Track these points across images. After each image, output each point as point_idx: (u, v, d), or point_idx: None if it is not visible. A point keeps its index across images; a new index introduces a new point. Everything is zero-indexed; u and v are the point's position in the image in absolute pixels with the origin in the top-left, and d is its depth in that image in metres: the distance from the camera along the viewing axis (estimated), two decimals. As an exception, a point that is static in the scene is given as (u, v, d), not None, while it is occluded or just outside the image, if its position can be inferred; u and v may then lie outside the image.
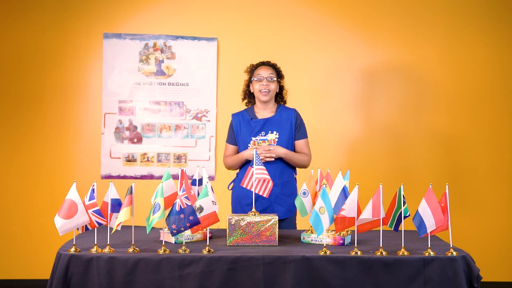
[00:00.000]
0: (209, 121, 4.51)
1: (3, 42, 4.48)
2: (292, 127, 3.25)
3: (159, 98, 4.51)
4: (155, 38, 4.50)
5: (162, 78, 4.51)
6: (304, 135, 3.30)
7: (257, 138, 3.23)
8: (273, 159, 3.15)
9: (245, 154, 3.19)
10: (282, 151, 3.17)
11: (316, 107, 4.51)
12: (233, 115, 3.36)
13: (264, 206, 3.16)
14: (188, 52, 4.51)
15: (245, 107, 3.41)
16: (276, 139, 3.21)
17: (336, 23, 4.53)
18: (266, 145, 3.19)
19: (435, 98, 4.50)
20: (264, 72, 3.27)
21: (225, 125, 4.40)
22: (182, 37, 4.51)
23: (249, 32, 4.53)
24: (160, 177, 4.39)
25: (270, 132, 3.23)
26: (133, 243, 2.40)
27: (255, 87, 3.27)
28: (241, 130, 3.27)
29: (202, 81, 4.51)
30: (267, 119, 3.26)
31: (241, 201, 3.19)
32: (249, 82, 3.36)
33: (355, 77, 4.52)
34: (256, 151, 2.71)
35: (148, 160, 4.49)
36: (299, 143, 3.28)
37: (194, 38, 4.51)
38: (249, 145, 3.23)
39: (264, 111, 3.31)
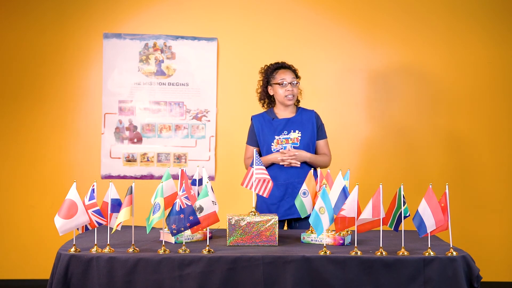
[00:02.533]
0: (209, 121, 4.50)
1: (3, 42, 4.47)
2: (314, 128, 3.33)
3: (159, 98, 4.50)
4: (155, 38, 4.50)
5: (162, 78, 4.51)
6: (324, 135, 3.39)
7: (280, 137, 3.29)
8: (298, 165, 3.20)
9: (271, 158, 3.24)
10: (307, 156, 3.24)
11: (315, 108, 4.49)
12: (254, 117, 3.40)
13: (290, 204, 3.21)
14: (188, 52, 4.51)
15: (263, 108, 3.45)
16: (299, 138, 3.28)
17: (337, 22, 4.52)
18: (289, 147, 3.25)
19: (436, 98, 4.49)
20: (288, 77, 3.32)
21: (225, 125, 4.47)
22: (182, 37, 4.51)
23: (249, 32, 4.52)
24: (160, 177, 4.39)
25: (292, 131, 3.30)
26: (133, 243, 2.40)
27: (279, 92, 3.32)
28: (263, 130, 3.33)
29: (202, 81, 4.51)
30: (288, 119, 3.33)
31: (267, 200, 3.22)
32: (266, 84, 3.39)
33: (356, 78, 4.52)
34: (256, 151, 2.71)
35: (148, 160, 4.49)
36: (320, 143, 3.37)
37: (194, 38, 4.51)
38: (272, 144, 3.28)
39: (284, 112, 3.37)
